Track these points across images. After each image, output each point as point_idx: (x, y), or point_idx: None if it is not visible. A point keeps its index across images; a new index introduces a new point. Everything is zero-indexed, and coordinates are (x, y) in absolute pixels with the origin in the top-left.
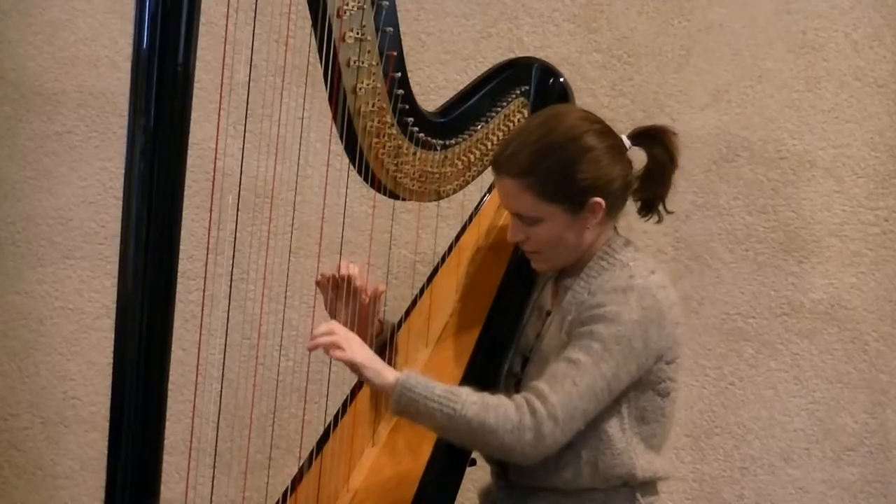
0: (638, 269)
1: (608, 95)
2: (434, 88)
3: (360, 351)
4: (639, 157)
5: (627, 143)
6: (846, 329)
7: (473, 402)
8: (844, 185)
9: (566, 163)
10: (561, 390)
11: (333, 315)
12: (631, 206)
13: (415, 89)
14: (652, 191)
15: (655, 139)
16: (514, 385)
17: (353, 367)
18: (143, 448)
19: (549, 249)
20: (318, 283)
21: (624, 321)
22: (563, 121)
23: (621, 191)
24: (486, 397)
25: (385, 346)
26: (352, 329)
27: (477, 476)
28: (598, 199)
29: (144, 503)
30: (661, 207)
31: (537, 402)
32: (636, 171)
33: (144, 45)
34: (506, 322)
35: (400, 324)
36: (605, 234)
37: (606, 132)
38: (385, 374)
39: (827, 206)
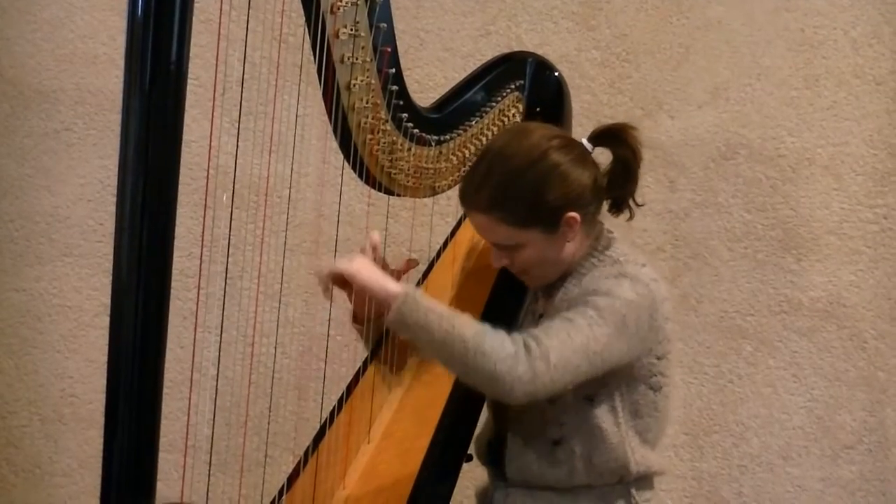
0: (628, 262)
1: (607, 93)
2: (433, 86)
3: (361, 265)
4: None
5: (589, 146)
6: (845, 327)
7: (472, 324)
8: (843, 183)
9: (533, 187)
10: (556, 338)
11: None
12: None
13: (413, 87)
14: (620, 188)
15: (616, 137)
16: None
17: (352, 278)
18: (138, 446)
19: (536, 268)
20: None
21: (618, 296)
22: (521, 143)
23: (594, 196)
24: (486, 325)
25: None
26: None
27: (475, 474)
28: (573, 214)
29: (140, 501)
30: (631, 203)
31: (532, 342)
32: (604, 170)
33: (137, 40)
34: (500, 322)
35: None
36: (589, 238)
37: (567, 144)
38: (388, 283)
39: (825, 203)
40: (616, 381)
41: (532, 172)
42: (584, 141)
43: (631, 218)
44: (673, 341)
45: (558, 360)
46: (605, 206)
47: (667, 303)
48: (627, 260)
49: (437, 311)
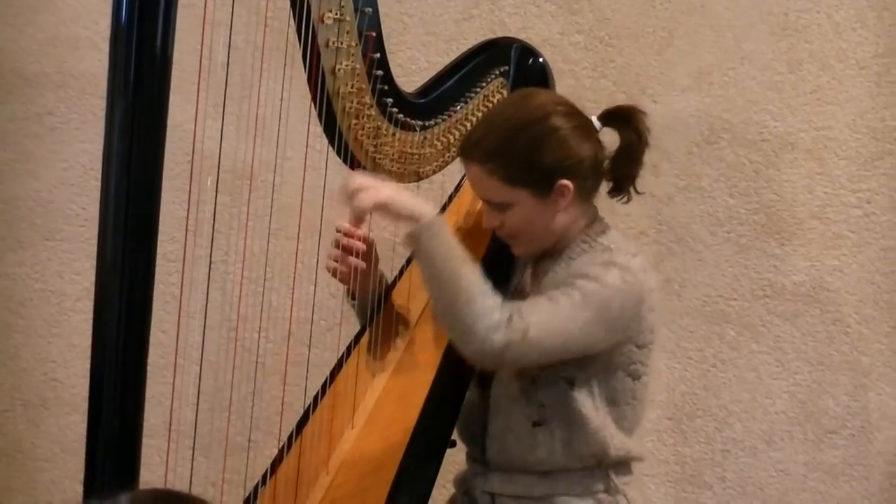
0: (620, 251)
1: (590, 77)
2: (416, 70)
3: (391, 190)
4: (612, 139)
5: (597, 124)
6: (828, 311)
7: (477, 278)
8: (826, 168)
9: (530, 145)
10: (537, 315)
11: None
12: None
13: (396, 71)
14: (622, 171)
15: (624, 119)
16: None
17: (387, 206)
18: (122, 431)
19: (524, 234)
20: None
21: (605, 283)
22: (527, 103)
23: (591, 171)
24: (488, 286)
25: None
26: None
27: (458, 458)
28: (566, 182)
29: (124, 486)
30: (631, 188)
31: (515, 315)
32: (608, 152)
33: (122, 25)
34: None
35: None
36: (583, 217)
37: (573, 113)
38: (419, 204)
39: (809, 188)
40: (595, 366)
41: (531, 131)
42: (594, 119)
43: (628, 201)
44: (657, 332)
45: (534, 337)
46: (606, 188)
47: (654, 294)
48: (619, 248)
49: (453, 250)
